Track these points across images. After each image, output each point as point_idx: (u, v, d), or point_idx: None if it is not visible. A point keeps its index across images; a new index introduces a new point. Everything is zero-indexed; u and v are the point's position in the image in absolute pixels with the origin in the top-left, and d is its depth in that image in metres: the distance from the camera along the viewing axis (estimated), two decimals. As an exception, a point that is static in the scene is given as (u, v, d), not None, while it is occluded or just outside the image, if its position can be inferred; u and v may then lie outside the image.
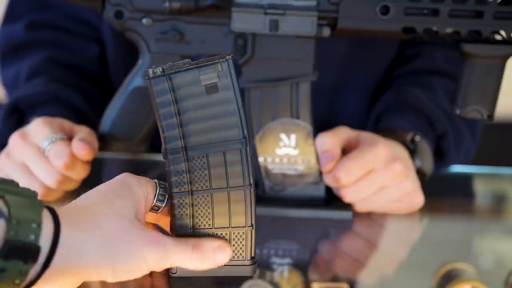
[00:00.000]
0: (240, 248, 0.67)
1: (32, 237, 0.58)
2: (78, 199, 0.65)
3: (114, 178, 0.67)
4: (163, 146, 0.66)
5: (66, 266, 0.60)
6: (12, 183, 0.60)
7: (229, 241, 0.67)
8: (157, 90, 0.65)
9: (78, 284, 0.64)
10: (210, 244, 0.66)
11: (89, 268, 0.62)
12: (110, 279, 0.63)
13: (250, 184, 0.66)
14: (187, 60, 0.65)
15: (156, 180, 0.68)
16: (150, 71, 0.65)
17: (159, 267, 0.65)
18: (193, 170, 0.66)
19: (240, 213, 0.67)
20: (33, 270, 0.59)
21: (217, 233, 0.67)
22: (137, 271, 0.64)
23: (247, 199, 0.66)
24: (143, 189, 0.66)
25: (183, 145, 0.65)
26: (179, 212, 0.66)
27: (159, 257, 0.64)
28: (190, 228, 0.67)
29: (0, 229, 0.57)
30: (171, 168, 0.66)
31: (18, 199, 0.59)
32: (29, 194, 0.60)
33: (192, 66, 0.65)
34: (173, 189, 0.66)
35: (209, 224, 0.67)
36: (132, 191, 0.65)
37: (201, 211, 0.66)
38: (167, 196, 0.67)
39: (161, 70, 0.64)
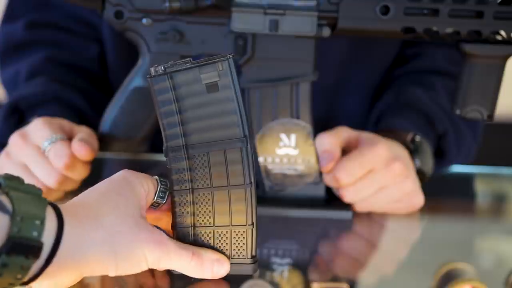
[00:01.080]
0: (241, 246, 0.67)
1: (35, 233, 0.59)
2: (78, 196, 0.66)
3: (114, 176, 0.67)
4: (164, 144, 0.66)
5: (68, 261, 0.61)
6: (18, 180, 0.61)
7: (230, 239, 0.67)
8: (158, 88, 0.65)
9: (80, 278, 0.64)
10: (209, 255, 0.67)
11: (92, 263, 0.62)
12: (112, 273, 0.64)
13: (250, 183, 0.66)
14: (188, 59, 0.66)
15: (156, 177, 0.68)
16: (152, 69, 0.65)
17: (159, 266, 0.66)
18: (194, 168, 0.66)
19: (241, 212, 0.67)
20: (36, 265, 0.60)
21: (217, 231, 0.67)
22: (137, 267, 0.65)
23: (248, 197, 0.67)
24: (144, 186, 0.67)
25: (184, 143, 0.66)
26: (180, 209, 0.66)
27: (160, 257, 0.65)
28: (191, 226, 0.67)
29: (4, 225, 0.58)
30: (172, 166, 0.66)
31: (22, 195, 0.60)
32: (34, 191, 0.61)
33: (192, 65, 0.65)
34: (174, 186, 0.66)
35: (210, 222, 0.67)
36: (133, 189, 0.66)
37: (202, 209, 0.67)
38: (167, 193, 0.68)
39: (162, 68, 0.65)
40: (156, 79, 0.65)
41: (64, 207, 0.63)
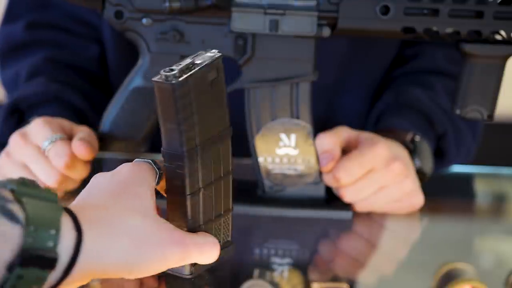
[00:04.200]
0: (227, 232, 0.69)
1: (50, 244, 0.55)
2: (84, 197, 0.63)
3: (117, 172, 0.64)
4: (181, 149, 0.65)
5: (87, 271, 0.58)
6: (33, 185, 0.57)
7: (221, 228, 0.69)
8: (179, 94, 0.63)
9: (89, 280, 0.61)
10: (209, 239, 0.67)
11: (110, 271, 0.59)
12: (128, 277, 0.61)
13: (229, 172, 0.68)
14: (190, 61, 0.65)
15: (150, 161, 0.66)
16: (163, 74, 0.63)
17: (178, 265, 0.64)
18: (202, 167, 0.66)
19: (227, 200, 0.69)
20: (53, 276, 0.56)
21: (216, 224, 0.69)
22: (157, 271, 0.62)
23: (230, 185, 0.69)
24: (151, 178, 0.65)
25: (197, 145, 0.65)
26: (192, 211, 0.67)
27: (181, 257, 0.63)
28: (201, 225, 0.67)
29: (17, 235, 0.54)
30: (186, 170, 0.65)
31: (36, 203, 0.56)
32: (49, 197, 0.57)
33: (202, 65, 0.64)
34: (188, 190, 0.66)
35: (211, 217, 0.68)
36: (142, 184, 0.63)
37: (207, 205, 0.67)
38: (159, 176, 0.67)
39: (177, 73, 0.63)
40: (178, 83, 0.63)
41: (78, 212, 0.58)
